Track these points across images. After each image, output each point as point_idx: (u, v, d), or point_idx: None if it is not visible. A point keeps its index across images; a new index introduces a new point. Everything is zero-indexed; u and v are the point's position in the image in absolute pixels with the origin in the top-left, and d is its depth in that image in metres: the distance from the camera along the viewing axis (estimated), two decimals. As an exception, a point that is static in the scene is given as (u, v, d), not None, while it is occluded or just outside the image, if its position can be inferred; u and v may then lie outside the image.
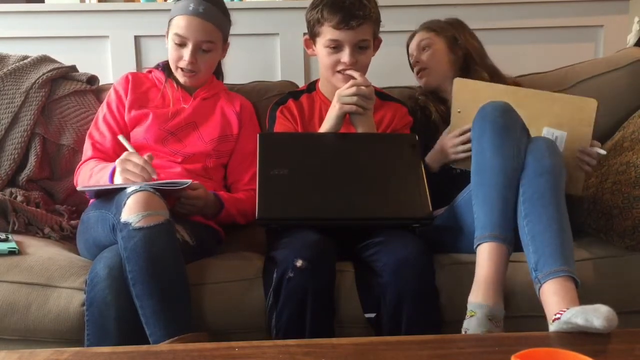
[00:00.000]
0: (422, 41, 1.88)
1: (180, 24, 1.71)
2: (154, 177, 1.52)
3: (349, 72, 1.64)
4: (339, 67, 1.68)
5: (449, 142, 1.66)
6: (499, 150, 1.41)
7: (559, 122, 1.57)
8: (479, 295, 1.31)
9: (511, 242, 1.36)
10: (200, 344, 1.17)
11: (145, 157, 1.55)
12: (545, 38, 2.39)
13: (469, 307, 1.32)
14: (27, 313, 1.41)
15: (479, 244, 1.37)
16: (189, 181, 1.50)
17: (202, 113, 1.81)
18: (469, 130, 1.56)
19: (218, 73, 1.93)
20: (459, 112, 1.63)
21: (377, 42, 1.76)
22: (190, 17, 1.70)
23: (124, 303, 1.34)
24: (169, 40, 1.76)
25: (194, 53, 1.72)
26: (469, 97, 1.57)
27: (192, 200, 1.57)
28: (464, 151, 1.62)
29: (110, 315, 1.34)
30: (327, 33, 1.66)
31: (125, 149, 1.62)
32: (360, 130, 1.64)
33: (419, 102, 1.88)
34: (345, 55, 1.66)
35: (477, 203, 1.41)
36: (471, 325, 1.28)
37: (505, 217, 1.37)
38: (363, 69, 1.69)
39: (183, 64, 1.73)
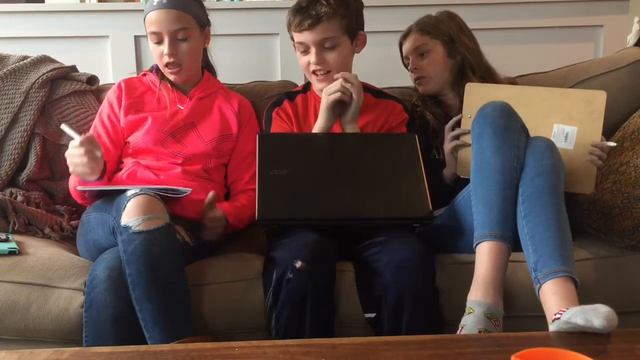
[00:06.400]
0: (419, 46, 1.85)
1: (150, 20, 1.71)
2: (98, 154, 1.50)
3: (337, 75, 1.65)
4: (311, 68, 1.72)
5: (448, 139, 1.67)
6: (498, 150, 1.41)
7: (569, 117, 1.58)
8: (478, 294, 1.31)
9: (511, 241, 1.36)
10: (200, 344, 1.17)
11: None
12: (545, 38, 2.38)
13: (468, 304, 1.31)
14: (27, 313, 1.41)
15: (478, 243, 1.36)
16: (189, 190, 1.51)
17: (199, 113, 1.81)
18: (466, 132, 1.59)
19: (209, 67, 1.92)
20: (470, 117, 1.62)
21: (360, 38, 1.77)
22: (157, 11, 1.70)
23: (123, 305, 1.34)
24: (149, 42, 1.76)
25: (171, 45, 1.71)
26: (479, 101, 1.58)
27: (215, 222, 1.60)
28: (456, 143, 1.63)
29: (108, 317, 1.34)
30: (294, 36, 1.72)
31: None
32: (346, 127, 1.65)
33: (417, 110, 1.87)
34: (311, 56, 1.70)
35: (476, 203, 1.41)
36: (468, 321, 1.27)
37: (504, 216, 1.37)
38: (335, 68, 1.70)
39: (165, 59, 1.73)
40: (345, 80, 1.62)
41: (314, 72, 1.73)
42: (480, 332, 1.24)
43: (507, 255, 1.35)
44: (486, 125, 1.44)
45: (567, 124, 1.57)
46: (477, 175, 1.43)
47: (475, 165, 1.44)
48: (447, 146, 1.67)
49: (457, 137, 1.65)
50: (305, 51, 1.71)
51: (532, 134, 1.48)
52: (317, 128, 1.65)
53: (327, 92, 1.63)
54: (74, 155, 1.50)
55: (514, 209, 1.38)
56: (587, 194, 1.61)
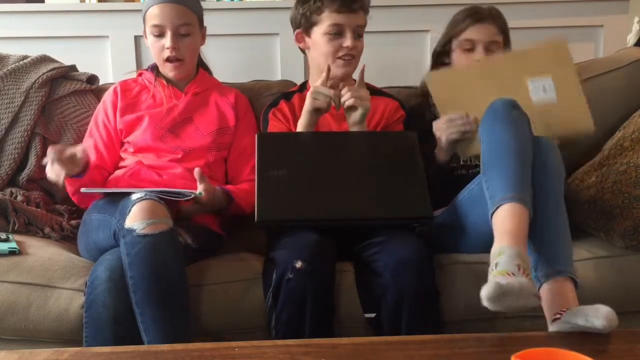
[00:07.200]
0: (495, 41, 1.77)
1: (154, 13, 1.72)
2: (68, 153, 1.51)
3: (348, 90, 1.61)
4: (341, 53, 1.72)
5: (440, 125, 1.64)
6: (515, 136, 1.39)
7: (539, 71, 1.57)
8: (504, 241, 1.22)
9: (531, 209, 1.29)
10: (200, 344, 1.17)
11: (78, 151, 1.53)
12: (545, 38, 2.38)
13: (494, 252, 1.22)
14: (27, 313, 1.41)
15: (498, 206, 1.29)
16: (194, 193, 1.51)
17: (195, 108, 1.81)
18: (458, 117, 1.58)
19: (203, 66, 1.92)
20: (444, 105, 1.63)
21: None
22: (162, 4, 1.71)
23: (122, 307, 1.34)
24: (148, 36, 1.76)
25: (174, 39, 1.72)
26: (446, 87, 1.59)
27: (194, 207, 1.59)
28: (454, 132, 1.61)
29: (108, 317, 1.34)
30: (328, 19, 1.71)
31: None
32: (353, 127, 1.64)
33: (421, 109, 1.85)
34: (347, 40, 1.71)
35: (492, 177, 1.36)
36: (502, 259, 1.17)
37: (525, 185, 1.32)
38: (359, 56, 1.76)
39: (166, 53, 1.73)
40: (357, 96, 1.59)
41: (340, 57, 1.72)
42: (519, 266, 1.16)
43: (528, 222, 1.28)
44: (498, 117, 1.43)
45: (539, 76, 1.56)
46: (493, 157, 1.39)
47: (489, 150, 1.41)
48: (442, 133, 1.63)
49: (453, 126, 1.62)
50: (337, 34, 1.71)
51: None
52: (299, 126, 1.64)
53: (312, 95, 1.60)
54: (51, 175, 1.53)
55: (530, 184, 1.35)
56: (591, 132, 1.58)
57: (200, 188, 1.54)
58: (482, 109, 1.47)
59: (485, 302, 1.12)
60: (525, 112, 1.45)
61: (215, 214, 1.72)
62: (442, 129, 1.64)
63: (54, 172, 1.52)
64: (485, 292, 1.12)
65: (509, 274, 1.14)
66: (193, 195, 1.50)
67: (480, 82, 1.58)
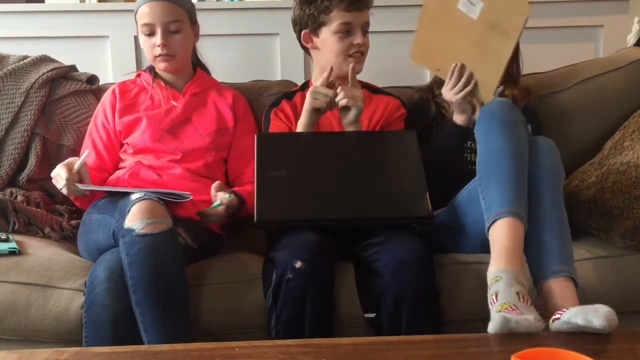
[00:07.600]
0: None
1: (143, 12, 1.72)
2: (86, 181, 1.55)
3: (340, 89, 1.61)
4: (352, 50, 1.73)
5: (446, 92, 1.63)
6: (510, 140, 1.40)
7: None
8: (501, 263, 1.26)
9: (527, 223, 1.33)
10: (200, 343, 1.17)
11: (82, 159, 1.55)
12: (545, 38, 2.38)
13: (492, 275, 1.25)
14: (27, 313, 1.41)
15: (495, 220, 1.32)
16: (191, 196, 1.51)
17: (194, 108, 1.81)
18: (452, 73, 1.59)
19: (201, 65, 1.92)
20: (438, 70, 1.65)
21: None
22: (151, 3, 1.72)
23: (122, 307, 1.34)
24: (140, 35, 1.76)
25: (164, 35, 1.72)
26: (430, 55, 1.62)
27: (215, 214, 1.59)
28: (459, 90, 1.59)
29: (107, 317, 1.34)
30: (338, 18, 1.71)
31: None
32: (347, 127, 1.64)
33: (426, 100, 1.85)
34: (357, 37, 1.73)
35: (489, 186, 1.38)
36: (500, 287, 1.21)
37: (521, 198, 1.34)
38: (366, 52, 1.77)
39: (157, 50, 1.73)
40: (351, 96, 1.58)
41: (351, 55, 1.73)
42: (518, 294, 1.19)
43: (524, 236, 1.32)
44: (494, 119, 1.44)
45: None
46: (489, 162, 1.41)
47: (486, 153, 1.42)
48: (451, 98, 1.62)
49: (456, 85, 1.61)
50: (347, 32, 1.72)
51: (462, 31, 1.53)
52: (300, 126, 1.64)
53: (311, 95, 1.60)
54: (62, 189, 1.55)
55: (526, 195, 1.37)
56: (528, 8, 1.56)
57: (221, 195, 1.57)
58: (459, 53, 1.57)
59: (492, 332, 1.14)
60: (480, 32, 1.52)
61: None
62: (447, 93, 1.62)
63: (72, 193, 1.55)
64: (493, 327, 1.13)
65: (512, 308, 1.16)
66: (190, 198, 1.50)
67: (439, 32, 1.60)
